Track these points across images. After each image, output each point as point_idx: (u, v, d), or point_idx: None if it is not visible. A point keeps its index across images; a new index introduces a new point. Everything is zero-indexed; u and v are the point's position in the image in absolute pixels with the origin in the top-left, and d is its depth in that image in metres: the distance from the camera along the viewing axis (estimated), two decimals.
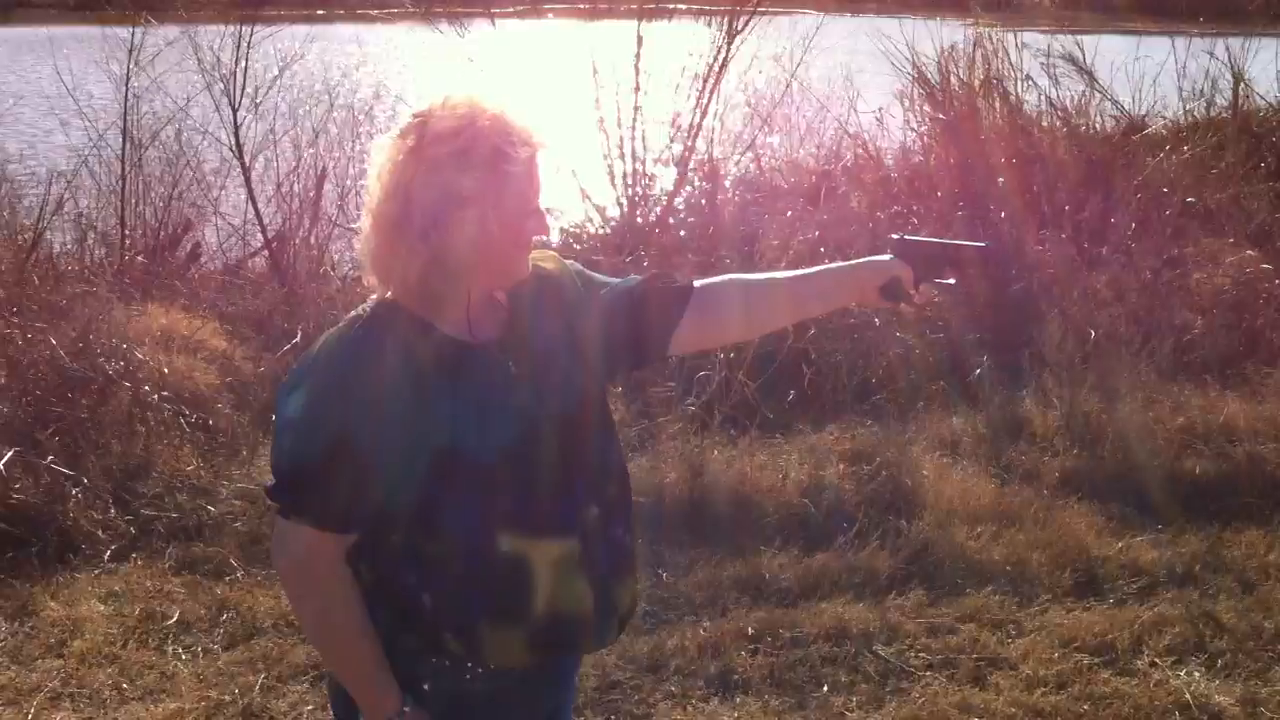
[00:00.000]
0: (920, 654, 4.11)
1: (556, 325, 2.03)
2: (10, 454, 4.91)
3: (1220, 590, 4.50)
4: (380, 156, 1.86)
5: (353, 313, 1.93)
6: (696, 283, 2.21)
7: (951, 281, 2.24)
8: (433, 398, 1.85)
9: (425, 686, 1.95)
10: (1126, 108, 9.40)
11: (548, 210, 1.98)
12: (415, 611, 1.91)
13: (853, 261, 2.29)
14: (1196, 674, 3.94)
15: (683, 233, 8.08)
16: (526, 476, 1.91)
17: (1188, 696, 3.78)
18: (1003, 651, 4.10)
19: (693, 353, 5.34)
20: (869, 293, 2.25)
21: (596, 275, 2.17)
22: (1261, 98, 9.77)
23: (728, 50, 8.39)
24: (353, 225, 2.07)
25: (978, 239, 2.68)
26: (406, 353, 1.84)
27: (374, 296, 1.93)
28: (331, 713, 2.11)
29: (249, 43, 8.10)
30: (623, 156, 8.23)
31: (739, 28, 8.39)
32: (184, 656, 4.13)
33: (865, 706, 3.82)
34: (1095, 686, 3.88)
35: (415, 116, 1.86)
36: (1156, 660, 4.03)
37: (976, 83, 8.68)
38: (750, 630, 4.22)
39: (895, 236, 2.26)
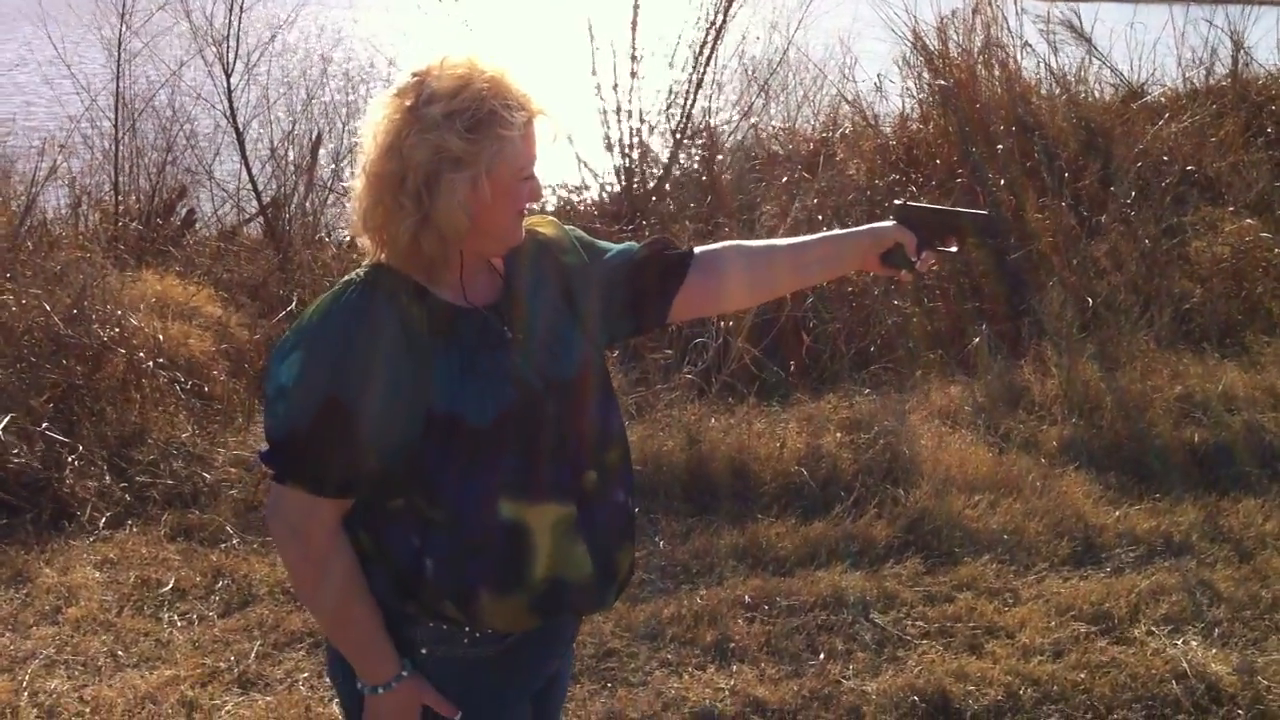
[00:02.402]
0: (917, 622, 4.11)
1: (554, 290, 2.02)
2: (5, 421, 4.89)
3: (1217, 559, 4.50)
4: (376, 114, 1.84)
5: (346, 277, 1.90)
6: (697, 249, 2.21)
7: (953, 249, 2.26)
8: (428, 363, 1.83)
9: (423, 651, 1.94)
10: (1125, 75, 9.35)
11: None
12: (415, 577, 1.89)
13: (855, 229, 2.30)
14: (1193, 643, 3.94)
15: (675, 202, 8.03)
16: (525, 442, 1.89)
17: (1184, 665, 3.78)
18: (999, 620, 4.10)
19: (693, 318, 5.33)
20: (870, 260, 2.26)
21: (599, 242, 2.16)
22: (1261, 66, 9.67)
23: (725, 15, 8.32)
24: (347, 189, 2.03)
25: (977, 208, 2.70)
26: (401, 317, 1.83)
27: (368, 260, 1.91)
28: (329, 679, 2.10)
29: (241, 6, 8.03)
30: (619, 123, 8.18)
31: None
32: (179, 624, 4.13)
33: (861, 674, 3.82)
34: (1092, 655, 3.88)
35: (414, 75, 1.83)
36: (1153, 629, 4.03)
37: (975, 49, 8.61)
38: (747, 598, 4.22)
39: (898, 203, 2.27)
